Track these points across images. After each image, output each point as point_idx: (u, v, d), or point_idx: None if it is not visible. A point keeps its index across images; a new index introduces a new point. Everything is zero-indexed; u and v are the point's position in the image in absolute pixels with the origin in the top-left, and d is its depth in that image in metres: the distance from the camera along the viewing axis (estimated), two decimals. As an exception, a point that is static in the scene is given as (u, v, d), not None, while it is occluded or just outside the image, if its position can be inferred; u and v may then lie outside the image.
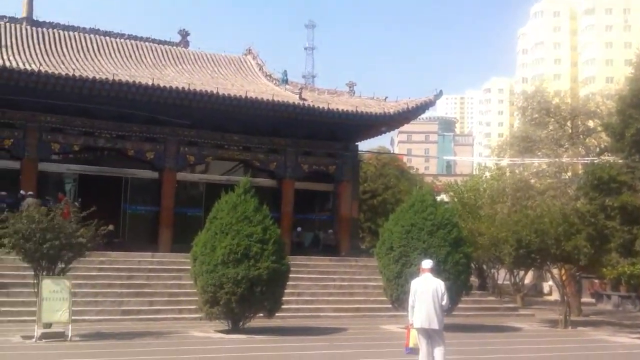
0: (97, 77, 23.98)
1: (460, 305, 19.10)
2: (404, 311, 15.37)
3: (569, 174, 30.90)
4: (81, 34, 29.82)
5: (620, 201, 18.27)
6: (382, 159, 44.89)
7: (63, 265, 15.46)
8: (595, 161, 24.45)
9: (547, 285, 35.06)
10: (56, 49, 27.66)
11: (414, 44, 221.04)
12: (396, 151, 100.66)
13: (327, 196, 30.94)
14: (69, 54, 27.65)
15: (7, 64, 23.02)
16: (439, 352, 10.46)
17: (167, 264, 22.82)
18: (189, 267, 17.62)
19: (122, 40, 30.92)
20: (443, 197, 37.72)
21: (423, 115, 32.79)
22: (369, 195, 40.27)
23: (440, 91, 29.41)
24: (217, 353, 13.32)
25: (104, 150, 26.51)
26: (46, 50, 27.15)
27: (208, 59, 32.62)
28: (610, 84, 47.49)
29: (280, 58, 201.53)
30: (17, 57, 24.78)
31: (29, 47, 26.79)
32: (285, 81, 31.00)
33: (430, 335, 10.49)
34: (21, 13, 29.40)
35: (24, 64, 23.62)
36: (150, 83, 24.35)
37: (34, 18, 29.34)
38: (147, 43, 31.67)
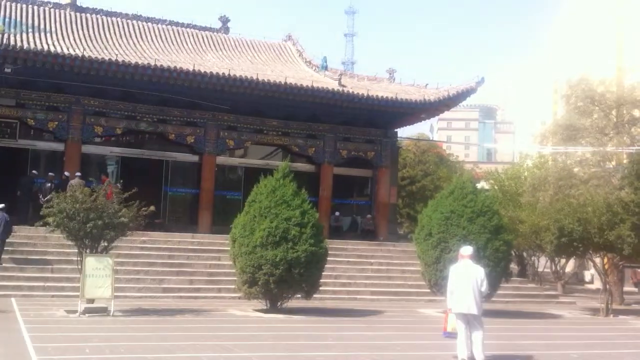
0: (139, 62, 24.33)
1: (499, 292, 19.00)
2: (442, 296, 15.36)
3: (613, 163, 30.25)
4: (123, 20, 30.23)
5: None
6: (422, 146, 44.69)
7: (106, 244, 15.80)
8: (641, 150, 23.92)
9: (588, 274, 34.58)
10: (99, 35, 28.11)
11: (456, 31, 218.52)
12: (435, 138, 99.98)
13: (366, 182, 30.92)
14: (111, 39, 28.08)
15: (52, 49, 23.48)
16: (477, 336, 10.42)
17: (206, 244, 23.18)
18: (228, 249, 17.84)
19: (163, 26, 31.26)
20: (483, 184, 37.37)
21: (464, 102, 32.35)
22: (408, 182, 40.19)
23: (482, 78, 29.02)
24: (256, 331, 13.47)
25: (146, 134, 26.94)
26: (89, 35, 27.62)
27: (248, 45, 32.77)
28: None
29: (320, 44, 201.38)
30: (61, 42, 25.27)
31: (72, 32, 27.29)
32: (324, 67, 30.95)
33: (468, 320, 10.47)
34: (65, -1, 29.96)
35: (68, 49, 24.08)
36: (191, 69, 24.60)
37: (78, 4, 29.84)
38: (188, 29, 31.95)
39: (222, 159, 27.78)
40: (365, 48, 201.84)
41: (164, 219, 26.04)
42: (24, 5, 27.99)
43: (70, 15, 28.77)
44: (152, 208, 16.71)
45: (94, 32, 28.13)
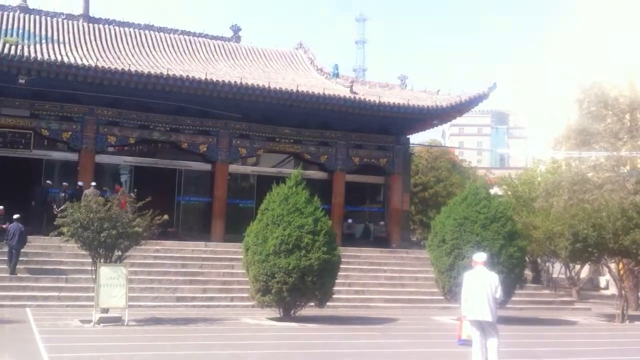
0: (152, 71, 24.46)
1: (514, 299, 18.87)
2: (456, 303, 15.31)
3: (628, 167, 30.03)
4: (136, 30, 30.45)
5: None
6: (434, 152, 44.56)
7: (120, 253, 15.88)
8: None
9: (603, 280, 34.25)
10: (112, 45, 28.33)
11: (468, 37, 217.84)
12: (448, 144, 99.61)
13: (378, 188, 30.87)
14: (124, 49, 28.29)
15: (66, 59, 23.66)
16: (492, 343, 10.36)
17: (219, 253, 23.22)
18: (241, 257, 17.87)
19: (175, 35, 31.46)
20: (496, 190, 37.20)
21: (476, 108, 32.26)
22: (420, 188, 40.05)
23: (494, 84, 28.96)
24: (269, 340, 13.48)
25: (159, 143, 27.04)
26: (102, 46, 27.84)
27: (259, 54, 32.89)
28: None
29: (331, 52, 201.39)
30: (74, 53, 25.49)
31: (85, 43, 27.53)
32: (336, 75, 31.02)
33: (483, 327, 10.41)
34: (78, 10, 30.22)
35: (81, 60, 24.28)
36: (203, 77, 24.71)
37: (90, 15, 30.13)
38: (200, 38, 32.15)
39: (234, 168, 27.84)
40: (376, 55, 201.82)
41: (177, 228, 26.11)
42: (37, 17, 28.32)
43: (83, 26, 29.03)
44: (165, 217, 16.82)
45: (106, 43, 28.36)
